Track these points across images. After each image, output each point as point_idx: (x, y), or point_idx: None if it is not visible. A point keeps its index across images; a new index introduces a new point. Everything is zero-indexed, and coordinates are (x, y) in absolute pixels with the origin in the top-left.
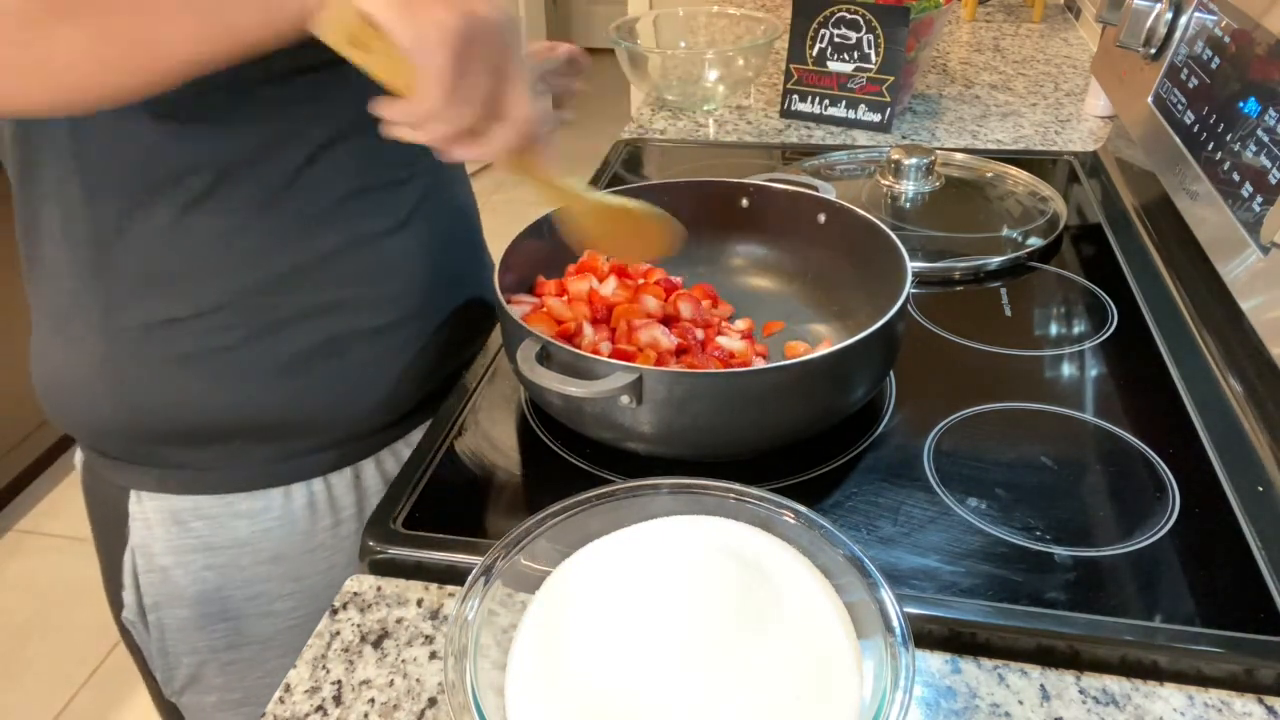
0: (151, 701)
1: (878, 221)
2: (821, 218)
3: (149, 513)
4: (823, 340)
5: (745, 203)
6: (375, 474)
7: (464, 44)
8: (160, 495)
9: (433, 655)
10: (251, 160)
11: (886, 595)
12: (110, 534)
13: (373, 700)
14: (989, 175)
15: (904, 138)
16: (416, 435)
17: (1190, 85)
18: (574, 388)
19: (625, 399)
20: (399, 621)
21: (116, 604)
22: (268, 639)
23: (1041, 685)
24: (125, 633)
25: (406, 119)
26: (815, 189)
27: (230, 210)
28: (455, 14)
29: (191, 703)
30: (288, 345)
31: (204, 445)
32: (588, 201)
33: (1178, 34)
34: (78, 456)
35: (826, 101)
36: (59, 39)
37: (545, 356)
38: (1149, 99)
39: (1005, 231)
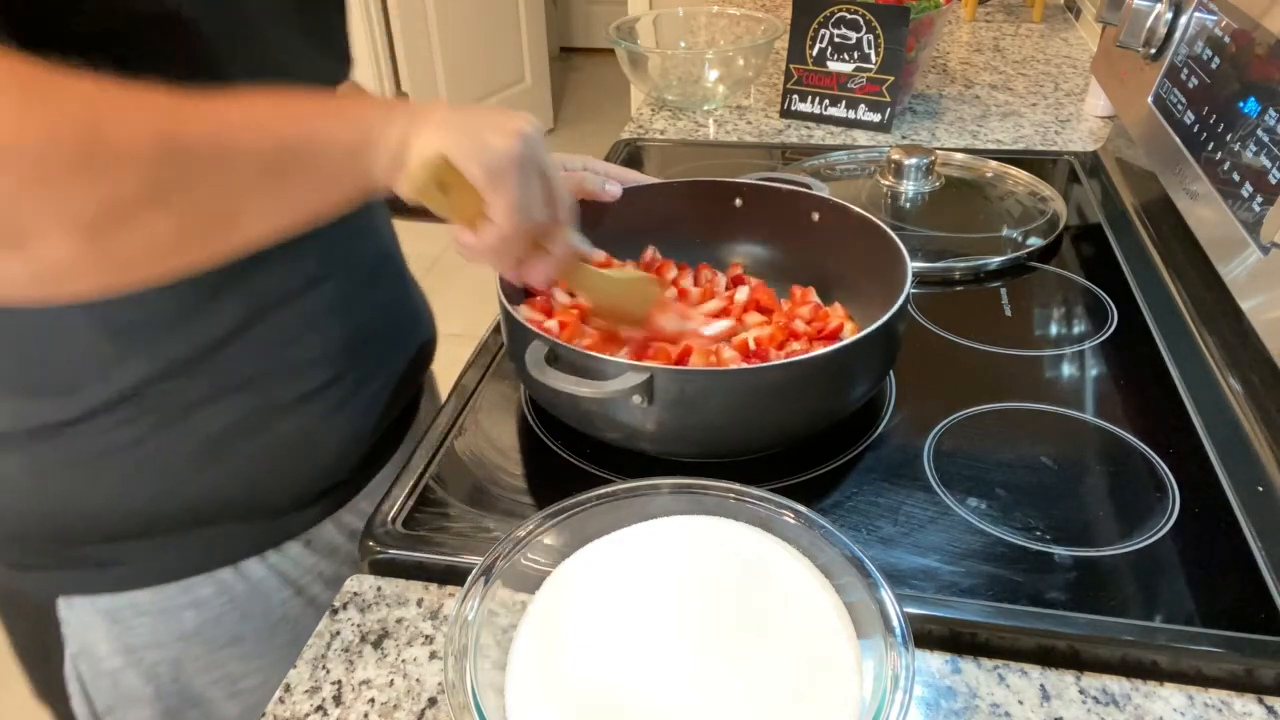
0: None
1: (878, 221)
2: (815, 216)
3: (83, 616)
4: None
5: (739, 202)
6: (334, 531)
7: (523, 164)
8: (92, 596)
9: (433, 655)
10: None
11: (886, 595)
12: (41, 646)
13: (373, 700)
14: (989, 175)
15: (904, 138)
16: (375, 486)
17: (1190, 85)
18: (586, 389)
19: (637, 399)
20: (399, 621)
21: (63, 715)
22: (239, 716)
23: (1041, 685)
24: None
25: (483, 246)
26: (808, 187)
27: (109, 300)
28: (511, 139)
29: None
30: (201, 430)
31: (129, 541)
32: (598, 279)
33: (1178, 34)
34: None
35: (826, 101)
36: (151, 230)
37: (553, 358)
38: (1149, 99)
39: (1005, 231)
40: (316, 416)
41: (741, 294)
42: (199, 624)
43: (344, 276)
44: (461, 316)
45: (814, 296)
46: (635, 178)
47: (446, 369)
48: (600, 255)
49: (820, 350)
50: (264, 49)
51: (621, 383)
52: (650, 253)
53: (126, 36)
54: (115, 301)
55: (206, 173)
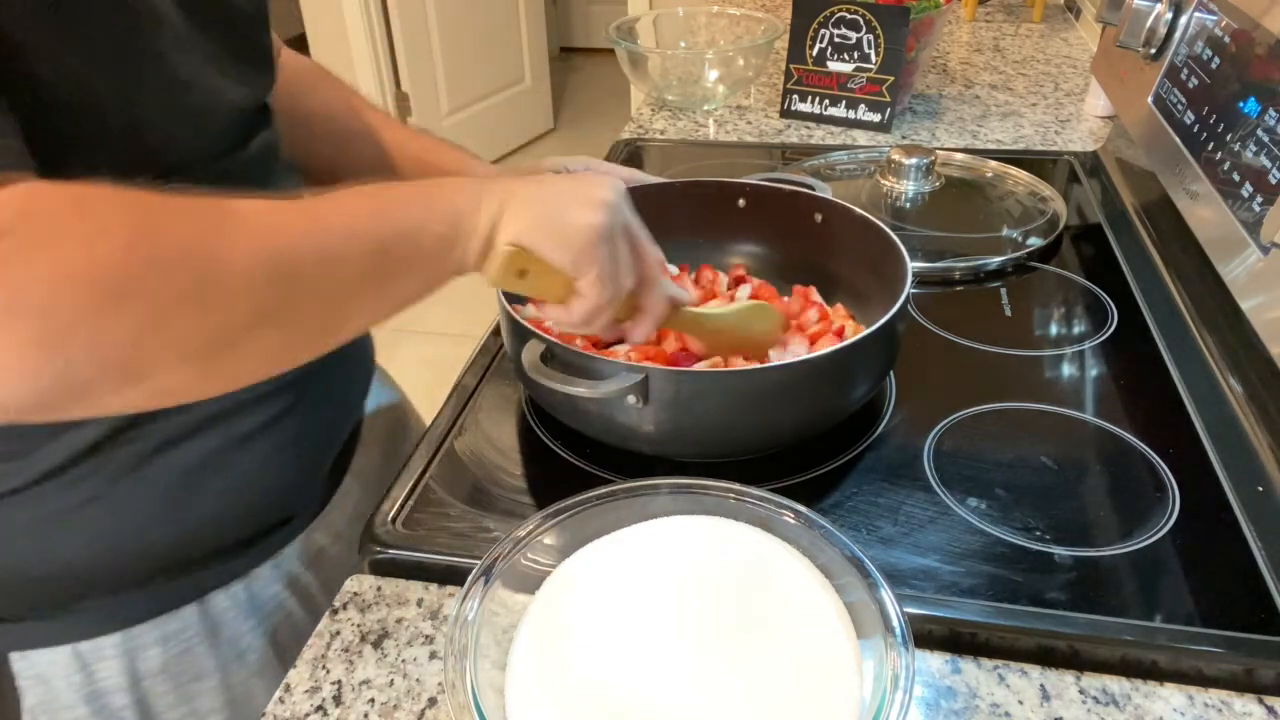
0: None
1: (877, 221)
2: (818, 217)
3: (40, 668)
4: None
5: (742, 203)
6: (301, 553)
7: (607, 239)
8: (55, 648)
9: (433, 655)
10: None
11: (886, 595)
12: None
13: (373, 700)
14: (989, 175)
15: (904, 138)
16: (338, 500)
17: (1190, 85)
18: (580, 388)
19: (632, 399)
20: (399, 621)
21: None
22: None
23: (1041, 685)
24: None
25: (573, 320)
26: (811, 188)
27: None
28: (595, 213)
29: None
30: (163, 476)
31: (91, 594)
32: (697, 319)
33: (1178, 34)
34: None
35: (826, 101)
36: (261, 344)
37: (549, 357)
38: (1149, 99)
39: (1005, 231)
40: (275, 446)
41: (743, 292)
42: (165, 661)
43: None
44: (461, 316)
45: (816, 296)
46: (639, 178)
47: (446, 369)
48: (693, 295)
49: (820, 351)
50: (184, 82)
51: (616, 383)
52: None
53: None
54: None
55: (313, 288)
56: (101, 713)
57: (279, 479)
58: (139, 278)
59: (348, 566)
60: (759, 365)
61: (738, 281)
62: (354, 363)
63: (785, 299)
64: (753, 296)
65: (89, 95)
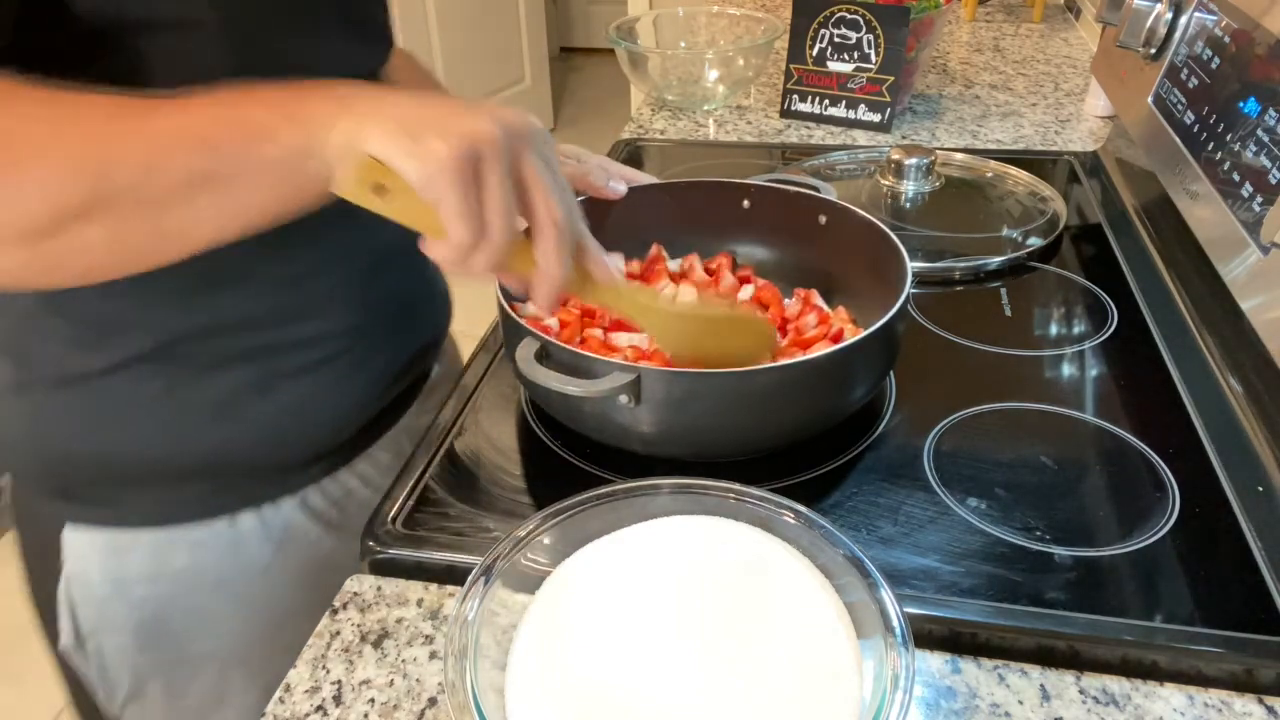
0: None
1: (878, 222)
2: (822, 219)
3: (84, 544)
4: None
5: (746, 204)
6: (329, 494)
7: (468, 167)
8: (95, 529)
9: (433, 655)
10: None
11: (886, 595)
12: (42, 563)
13: (373, 700)
14: (989, 175)
15: (904, 138)
16: (374, 453)
17: (1190, 85)
18: (573, 387)
19: (624, 398)
20: (399, 621)
21: (51, 635)
22: (209, 654)
23: (1041, 685)
24: (61, 662)
25: (450, 259)
26: (816, 190)
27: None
28: (452, 140)
29: (133, 713)
30: (212, 392)
31: (138, 486)
32: (664, 312)
33: (1178, 34)
34: (5, 479)
35: (826, 101)
36: (81, 239)
37: (544, 355)
38: (1149, 99)
39: (1005, 231)
40: (317, 388)
41: (746, 293)
42: (188, 564)
43: (349, 265)
44: (461, 316)
45: (818, 300)
46: (646, 179)
47: None
48: (620, 278)
49: (818, 353)
50: (296, 47)
51: (608, 383)
52: (655, 249)
53: (137, 40)
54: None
55: (131, 187)
56: (124, 597)
57: (319, 417)
58: None
59: (368, 510)
60: (753, 367)
61: (742, 282)
62: (416, 322)
63: (787, 301)
64: (755, 298)
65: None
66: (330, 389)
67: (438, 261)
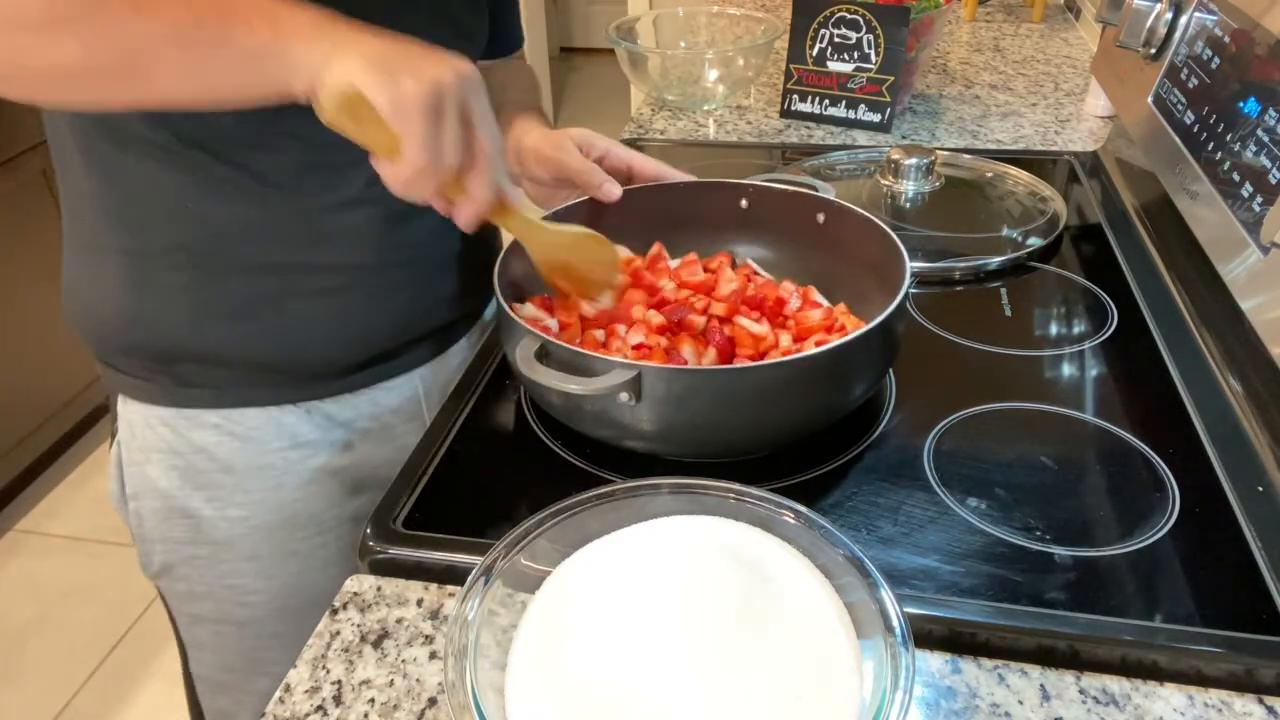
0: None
1: (878, 220)
2: (821, 218)
3: (130, 413)
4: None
5: (745, 203)
6: (333, 414)
7: (434, 105)
8: (134, 401)
9: (433, 655)
10: (205, 120)
11: (886, 595)
12: (110, 425)
13: (373, 700)
14: (989, 175)
15: (904, 138)
16: (382, 390)
17: (1190, 85)
18: (573, 385)
19: (624, 396)
20: (399, 621)
21: (118, 487)
22: (223, 541)
23: (1041, 685)
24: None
25: (398, 179)
26: (814, 189)
27: (180, 164)
28: (425, 81)
29: (165, 587)
30: (232, 293)
31: (163, 365)
32: (540, 227)
33: (1178, 34)
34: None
35: (826, 101)
36: (56, 46)
37: (544, 354)
38: (1149, 99)
39: (1005, 231)
40: (328, 312)
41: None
42: (204, 444)
43: (387, 205)
44: None
45: (816, 295)
46: (659, 168)
47: None
48: (524, 202)
49: (815, 350)
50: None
51: (609, 380)
52: (657, 248)
53: None
54: (182, 169)
55: (114, 21)
56: (153, 464)
57: (326, 338)
58: None
59: (379, 446)
60: (753, 364)
61: (747, 280)
62: (434, 278)
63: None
64: (757, 294)
65: None
66: (336, 317)
67: (386, 180)
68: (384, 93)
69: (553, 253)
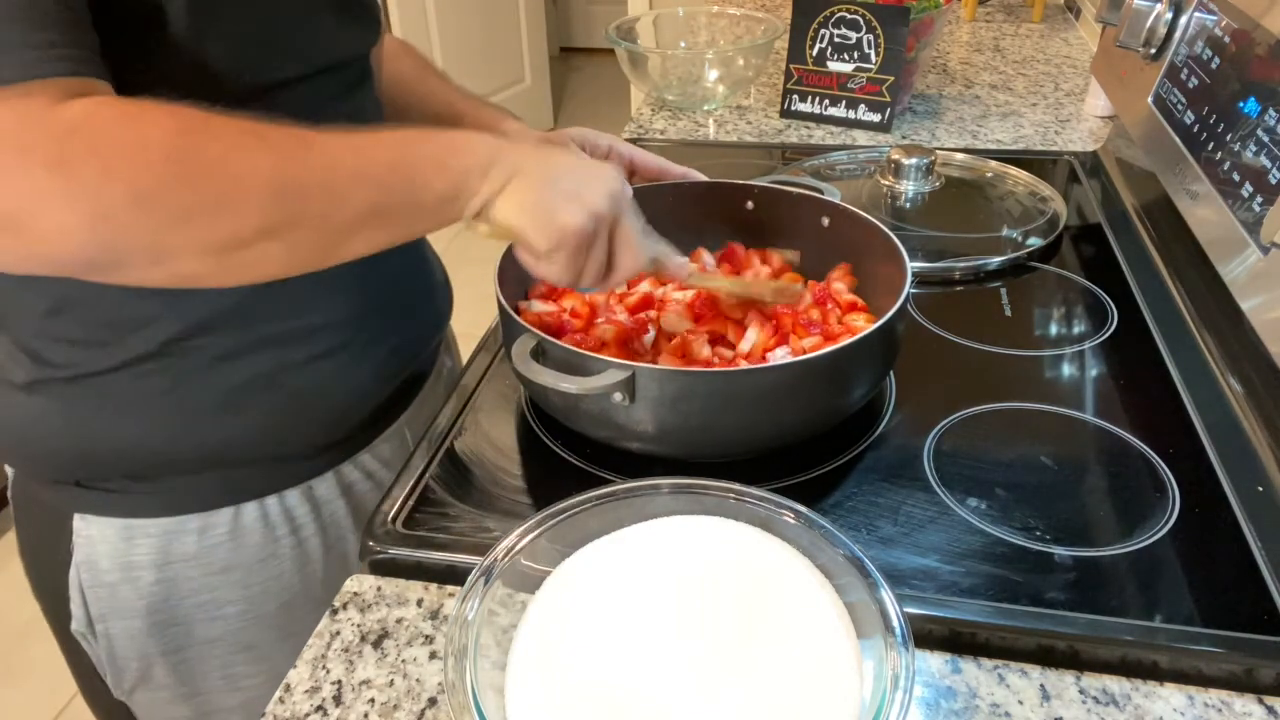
0: (88, 704)
1: (878, 223)
2: (825, 221)
3: (93, 531)
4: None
5: (750, 205)
6: (333, 485)
7: (584, 244)
8: (106, 518)
9: (433, 655)
10: None
11: (886, 595)
12: (51, 550)
13: (373, 700)
14: (989, 175)
15: (904, 138)
16: (377, 446)
17: (1190, 85)
18: (567, 384)
19: (618, 396)
20: (399, 621)
21: (62, 616)
22: (216, 639)
23: (1041, 685)
24: (70, 641)
25: (539, 276)
26: (820, 192)
27: None
28: (582, 217)
29: (142, 699)
30: (220, 385)
31: (145, 477)
32: (723, 288)
33: (1178, 34)
34: (8, 469)
35: (826, 101)
36: (264, 253)
37: (540, 353)
38: (1149, 99)
39: (1005, 231)
40: (324, 377)
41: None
42: (196, 551)
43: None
44: (462, 315)
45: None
46: (660, 163)
47: None
48: (685, 270)
49: (815, 353)
50: (288, 25)
51: (602, 380)
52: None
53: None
54: None
55: (316, 215)
56: (133, 583)
57: (322, 409)
58: (167, 186)
59: (371, 503)
60: (750, 367)
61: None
62: (416, 312)
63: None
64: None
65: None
66: (332, 381)
67: (525, 265)
68: (543, 236)
69: (735, 288)
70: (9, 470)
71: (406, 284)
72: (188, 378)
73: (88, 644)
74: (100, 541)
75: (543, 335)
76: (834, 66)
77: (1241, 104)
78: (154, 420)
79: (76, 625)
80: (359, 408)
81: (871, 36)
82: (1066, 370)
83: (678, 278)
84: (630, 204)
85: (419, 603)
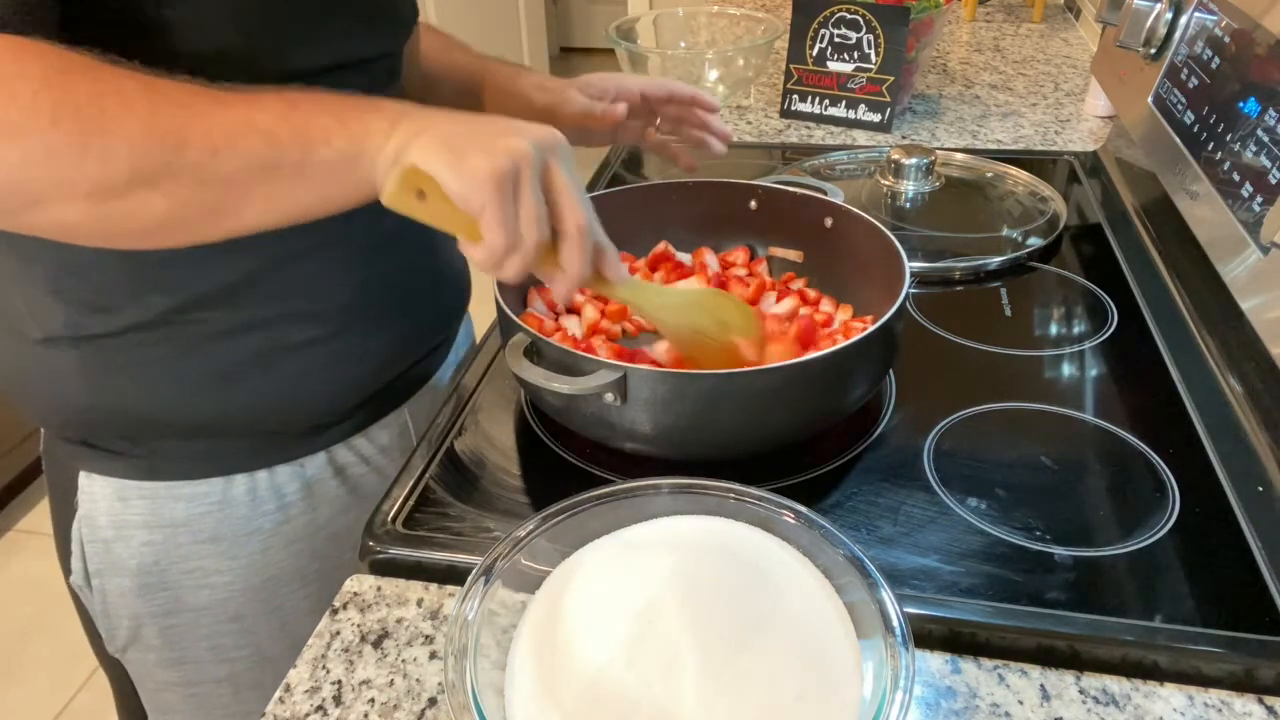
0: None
1: (878, 224)
2: (829, 222)
3: (95, 489)
4: None
5: (754, 204)
6: (324, 465)
7: (507, 181)
8: (105, 477)
9: (433, 655)
10: None
11: (886, 595)
12: (62, 504)
13: (373, 700)
14: (989, 175)
15: (904, 138)
16: (374, 432)
17: (1190, 85)
18: (558, 384)
19: (610, 397)
20: (399, 621)
21: (66, 569)
22: (204, 607)
23: (1041, 685)
24: (74, 594)
25: (485, 262)
26: (824, 192)
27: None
28: (494, 157)
29: (133, 659)
30: (216, 359)
31: (142, 440)
32: (655, 297)
33: (1178, 34)
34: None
35: (826, 101)
36: (144, 204)
37: (535, 352)
38: (1149, 99)
39: (1005, 231)
40: (315, 363)
41: (784, 306)
42: (186, 518)
43: (350, 245)
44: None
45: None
46: (664, 84)
47: None
48: (623, 272)
49: (810, 356)
50: (311, 26)
51: (594, 380)
52: (662, 246)
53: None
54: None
55: (196, 167)
56: (126, 541)
57: (316, 391)
58: (30, 118)
59: (366, 487)
60: (741, 370)
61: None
62: (418, 307)
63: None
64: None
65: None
66: (328, 365)
67: (474, 263)
68: (450, 171)
69: (673, 317)
70: (42, 432)
71: (410, 277)
72: (186, 349)
73: (85, 597)
74: (100, 499)
75: (537, 334)
76: (834, 66)
77: (1241, 104)
78: (152, 386)
79: (75, 578)
80: (353, 394)
81: (871, 36)
82: (1066, 370)
83: (616, 279)
84: (566, 154)
85: (419, 603)
